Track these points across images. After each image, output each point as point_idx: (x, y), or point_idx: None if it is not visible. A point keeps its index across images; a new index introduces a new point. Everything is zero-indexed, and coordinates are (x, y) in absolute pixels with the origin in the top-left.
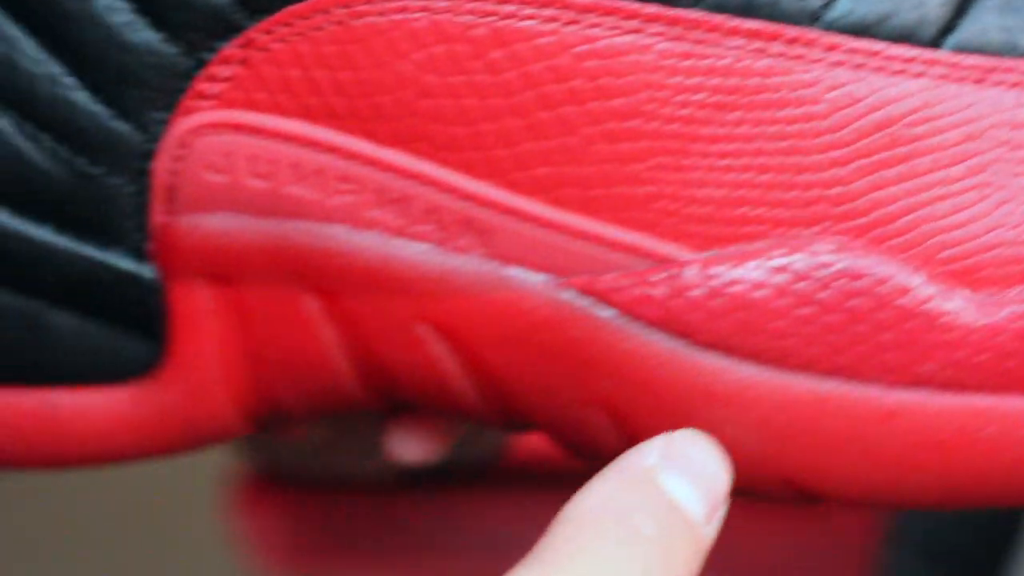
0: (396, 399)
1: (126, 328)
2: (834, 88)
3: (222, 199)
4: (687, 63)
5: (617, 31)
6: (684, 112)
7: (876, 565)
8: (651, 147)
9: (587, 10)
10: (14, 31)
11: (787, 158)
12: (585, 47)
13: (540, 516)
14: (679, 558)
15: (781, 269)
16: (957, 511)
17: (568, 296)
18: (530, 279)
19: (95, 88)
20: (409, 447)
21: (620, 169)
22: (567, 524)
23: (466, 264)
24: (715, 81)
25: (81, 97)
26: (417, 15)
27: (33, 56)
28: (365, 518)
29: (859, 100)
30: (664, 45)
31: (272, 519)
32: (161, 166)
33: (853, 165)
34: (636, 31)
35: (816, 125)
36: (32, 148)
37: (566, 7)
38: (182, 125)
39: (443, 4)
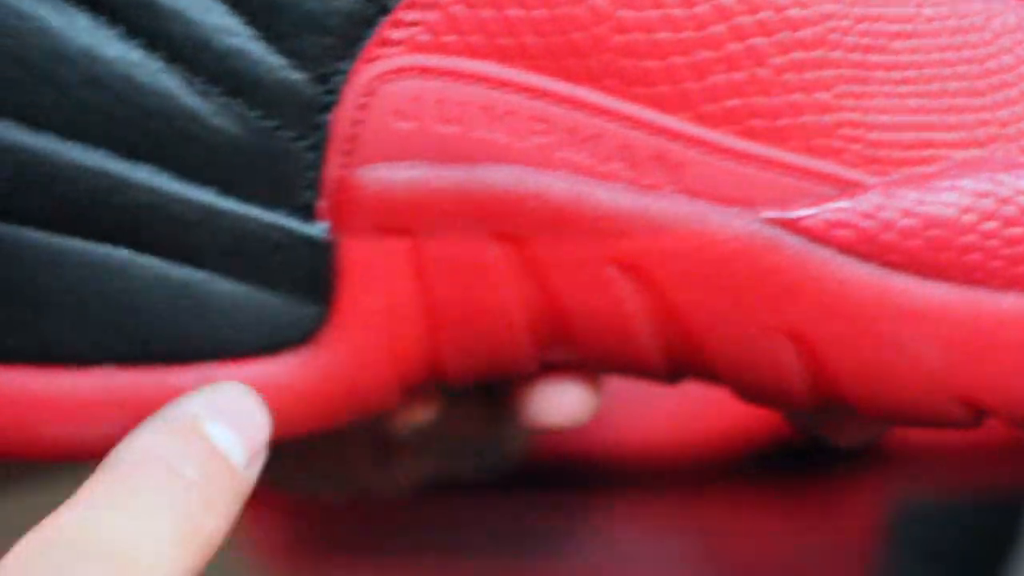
0: (563, 353)
1: (290, 292)
2: (995, 16)
3: (409, 147)
4: None
5: None
6: (865, 41)
7: (876, 565)
8: (836, 75)
9: None
10: None
11: (959, 83)
12: None
13: (542, 515)
14: (220, 500)
15: (963, 188)
16: (957, 512)
17: (758, 227)
18: (720, 212)
19: (271, 38)
20: (559, 408)
21: (807, 98)
22: (111, 470)
23: (656, 201)
24: (892, 11)
25: (257, 48)
26: None
27: (206, 5)
28: (364, 518)
29: (1019, 27)
30: None
31: (272, 519)
32: (342, 116)
33: (1020, 87)
34: None
35: (983, 51)
36: (201, 103)
37: None
38: (367, 73)
39: None
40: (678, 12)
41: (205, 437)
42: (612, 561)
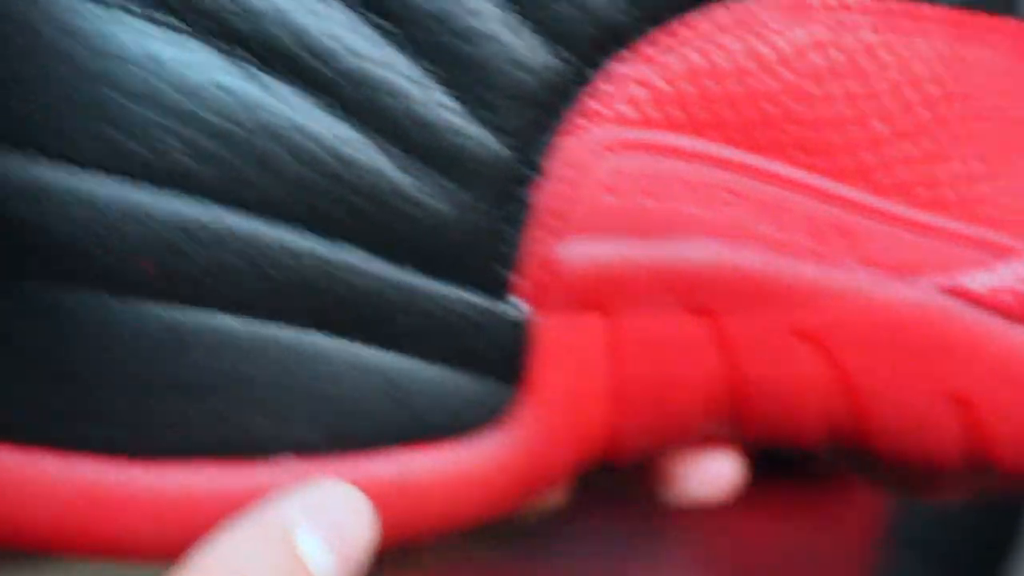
0: (727, 426)
1: (483, 372)
2: None
3: (610, 222)
4: None
5: (962, 42)
6: (1014, 114)
7: (876, 565)
8: (1003, 144)
9: (946, 22)
10: (388, 51)
11: None
12: (931, 55)
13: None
14: None
15: None
16: (957, 512)
17: (928, 294)
18: (892, 280)
19: (475, 111)
20: (713, 481)
21: (963, 167)
22: (189, 574)
23: (836, 271)
24: None
25: (462, 121)
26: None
27: (408, 74)
28: None
29: None
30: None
31: None
32: (545, 190)
33: None
34: (985, 44)
35: None
36: (407, 179)
37: (911, 17)
38: (572, 145)
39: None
40: (856, 87)
41: (294, 550)
42: (612, 561)
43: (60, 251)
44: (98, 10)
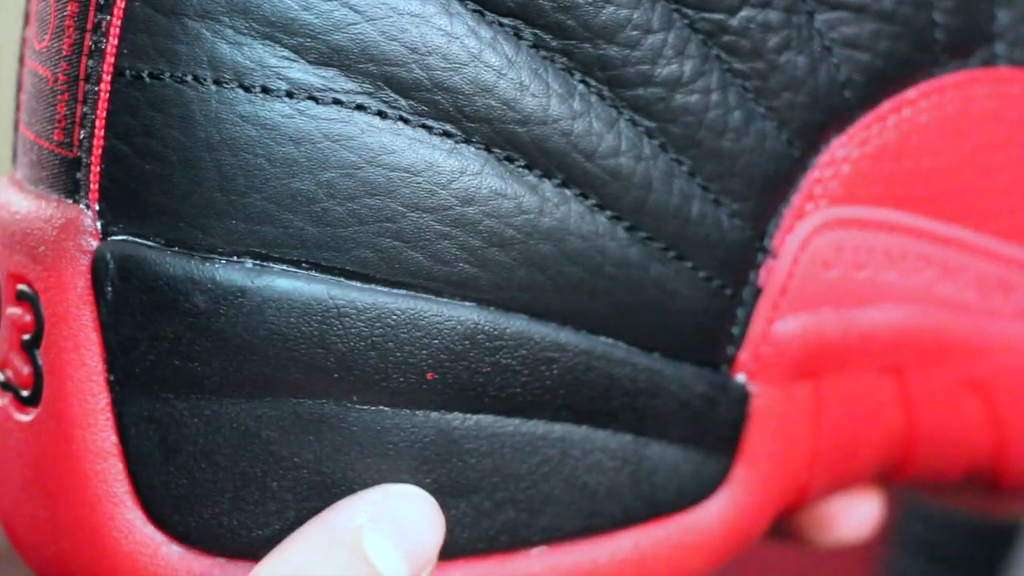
0: (902, 469)
1: (710, 446)
2: None
3: (827, 295)
4: None
5: None
6: None
7: (876, 565)
8: None
9: None
10: (645, 146)
11: None
12: None
13: None
14: None
15: None
16: (957, 512)
17: None
18: None
19: (719, 196)
20: (860, 523)
21: None
22: None
23: (998, 323)
24: None
25: (707, 207)
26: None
27: (663, 167)
28: None
29: None
30: None
31: None
32: (776, 269)
33: None
34: None
35: None
36: (660, 270)
37: None
38: (800, 228)
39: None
40: (1018, 154)
41: (364, 557)
42: None
43: (341, 367)
44: (376, 122)
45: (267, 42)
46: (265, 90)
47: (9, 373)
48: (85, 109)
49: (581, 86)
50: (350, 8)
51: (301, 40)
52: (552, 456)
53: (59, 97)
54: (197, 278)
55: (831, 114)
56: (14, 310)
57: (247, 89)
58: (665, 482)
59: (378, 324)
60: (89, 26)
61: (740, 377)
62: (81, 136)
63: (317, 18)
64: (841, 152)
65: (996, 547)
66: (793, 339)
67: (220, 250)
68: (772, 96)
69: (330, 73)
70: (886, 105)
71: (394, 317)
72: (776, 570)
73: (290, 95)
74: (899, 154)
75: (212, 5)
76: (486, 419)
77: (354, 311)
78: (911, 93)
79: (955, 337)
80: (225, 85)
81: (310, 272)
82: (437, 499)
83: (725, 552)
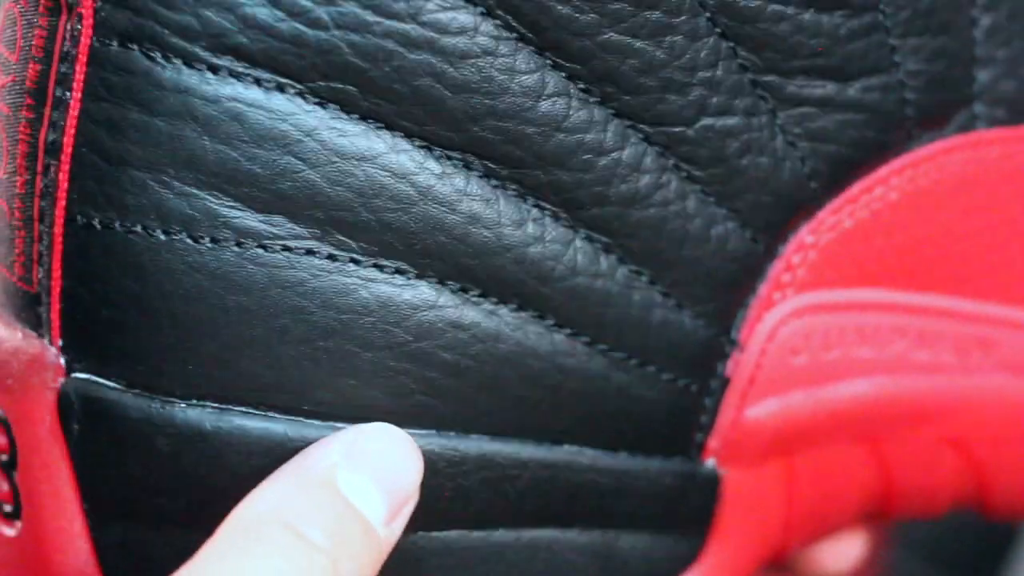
0: (882, 516)
1: (680, 530)
2: None
3: (796, 378)
4: None
5: None
6: None
7: (876, 565)
8: None
9: None
10: (602, 262)
11: None
12: None
13: None
14: (350, 566)
15: None
16: (957, 512)
17: None
18: (1020, 381)
19: (681, 300)
20: (845, 558)
21: None
22: (235, 528)
23: (975, 379)
24: None
25: (668, 312)
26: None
27: (620, 280)
28: None
29: None
30: None
31: None
32: (744, 361)
33: None
34: None
35: None
36: (623, 376)
37: None
38: (769, 317)
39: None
40: (996, 217)
41: (338, 493)
42: None
43: None
44: (327, 265)
45: (213, 192)
46: (214, 240)
47: None
48: (41, 248)
49: (535, 210)
50: (293, 156)
51: (247, 190)
52: (520, 560)
53: (17, 232)
54: (158, 421)
55: (797, 207)
56: None
57: (196, 240)
58: (637, 569)
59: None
60: (39, 168)
61: (710, 462)
62: (39, 275)
63: (261, 168)
64: (810, 239)
65: (996, 547)
66: (762, 424)
67: (179, 393)
68: (734, 198)
69: (278, 220)
70: (856, 187)
71: None
72: (775, 569)
73: (239, 244)
74: (871, 233)
75: (156, 156)
76: (452, 535)
77: None
78: (883, 171)
79: (931, 400)
80: (174, 236)
81: (268, 413)
82: None
83: None
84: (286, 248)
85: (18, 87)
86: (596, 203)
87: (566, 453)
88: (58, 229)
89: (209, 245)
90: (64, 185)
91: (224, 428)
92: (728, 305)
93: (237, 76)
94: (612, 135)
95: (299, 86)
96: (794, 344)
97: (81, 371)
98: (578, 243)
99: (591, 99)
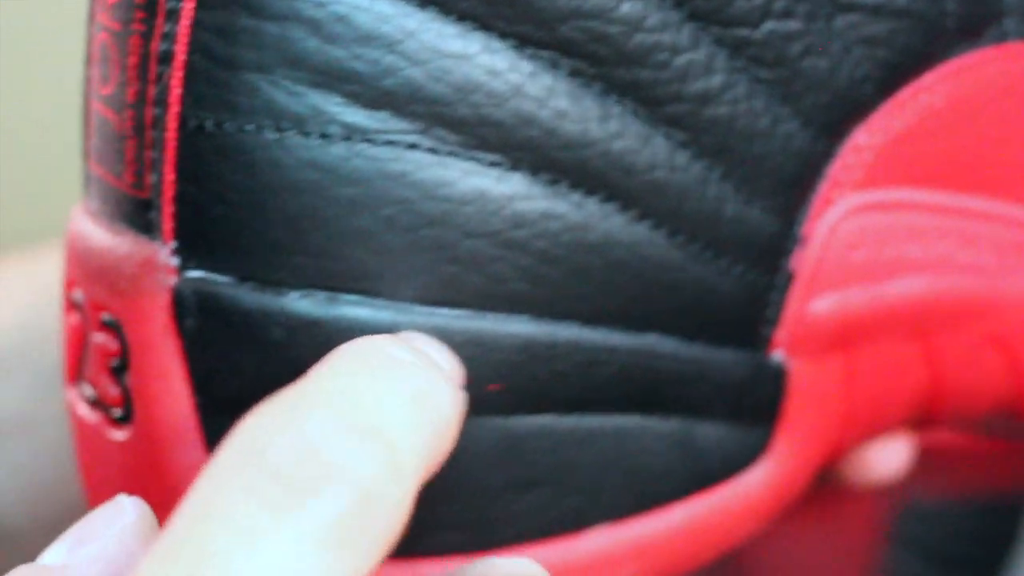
0: (929, 416)
1: (751, 420)
2: None
3: (853, 275)
4: None
5: None
6: None
7: (876, 565)
8: None
9: None
10: (678, 156)
11: None
12: None
13: None
14: (440, 385)
15: None
16: (957, 512)
17: None
18: None
19: (749, 196)
20: (891, 463)
21: None
22: (342, 353)
23: (1015, 282)
24: None
25: (738, 206)
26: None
27: (696, 175)
28: None
29: None
30: None
31: None
32: (807, 256)
33: None
34: None
35: None
36: (700, 268)
37: None
38: (829, 214)
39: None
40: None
41: (409, 342)
42: None
43: None
44: (429, 158)
45: (322, 90)
46: (323, 135)
47: (99, 392)
48: (154, 154)
49: (617, 107)
50: (397, 54)
51: (353, 87)
52: (609, 445)
53: (127, 142)
54: (271, 311)
55: (852, 108)
56: (100, 336)
57: (306, 135)
58: (712, 456)
59: (447, 345)
60: (151, 77)
61: (777, 355)
62: (152, 180)
63: (367, 66)
64: (863, 140)
65: (996, 547)
66: (825, 317)
67: (290, 283)
68: (796, 99)
69: (383, 116)
70: (903, 93)
71: (457, 337)
72: (776, 570)
73: (346, 139)
74: (917, 138)
75: (267, 58)
76: (546, 418)
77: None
78: (926, 79)
79: (975, 299)
80: (285, 133)
81: (375, 300)
82: (506, 494)
83: (769, 513)
84: (390, 142)
85: (127, 3)
86: (673, 100)
87: (649, 341)
88: (171, 134)
89: (319, 140)
90: (177, 92)
91: (334, 316)
92: (792, 202)
93: None
94: (686, 37)
95: None
96: (852, 241)
97: (194, 269)
98: (657, 139)
99: (666, 2)
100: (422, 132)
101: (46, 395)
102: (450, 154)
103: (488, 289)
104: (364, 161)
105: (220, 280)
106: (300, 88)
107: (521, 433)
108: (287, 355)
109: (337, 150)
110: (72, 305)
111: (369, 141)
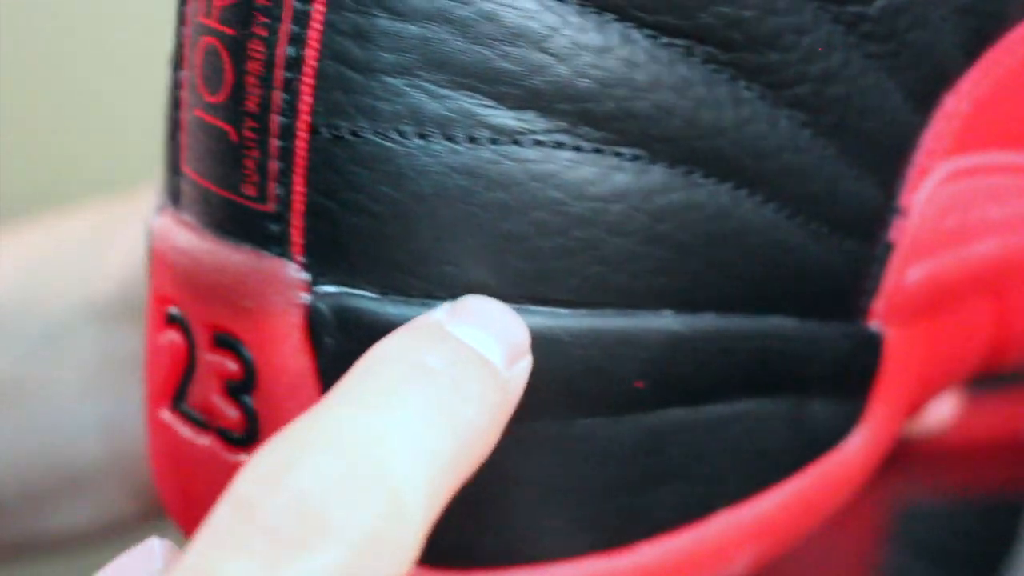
0: (992, 367)
1: (854, 392)
2: None
3: (947, 239)
4: None
5: None
6: None
7: (876, 565)
8: None
9: None
10: (803, 138)
11: None
12: None
13: None
14: (473, 388)
15: None
16: (957, 512)
17: None
18: None
19: (862, 170)
20: (943, 414)
21: None
22: (358, 370)
23: None
24: None
25: (854, 182)
26: None
27: (820, 154)
28: None
29: None
30: None
31: None
32: (901, 227)
33: None
34: None
35: None
36: (813, 245)
37: None
38: (925, 183)
39: None
40: None
41: (449, 336)
42: None
43: (563, 390)
44: (575, 156)
45: (467, 92)
46: (471, 139)
47: (210, 415)
48: (280, 165)
49: (746, 92)
50: (542, 51)
51: (501, 87)
52: (733, 432)
53: (247, 152)
54: None
55: (945, 77)
56: (214, 357)
57: (451, 140)
58: (820, 430)
59: (592, 346)
60: (277, 84)
61: (874, 325)
62: (277, 192)
63: (514, 65)
64: (952, 107)
65: (996, 547)
66: (919, 285)
67: (437, 294)
68: (901, 72)
69: (529, 115)
70: (985, 59)
71: (606, 337)
72: (776, 570)
73: (493, 141)
74: (998, 101)
75: (409, 61)
76: (679, 411)
77: (569, 337)
78: (1005, 41)
79: None
80: (430, 138)
81: (525, 306)
82: (643, 489)
83: (863, 479)
84: (538, 142)
85: (244, 5)
86: (798, 81)
87: (772, 323)
88: (300, 144)
89: (465, 144)
90: (307, 99)
91: None
92: (894, 174)
93: None
94: (809, 17)
95: None
96: (944, 208)
97: (327, 284)
98: (782, 121)
99: None
100: (567, 131)
101: (32, 364)
102: (595, 151)
103: (632, 286)
104: (513, 164)
105: (360, 294)
106: (444, 90)
107: (661, 427)
108: None
109: (485, 153)
110: (167, 322)
111: (517, 143)
